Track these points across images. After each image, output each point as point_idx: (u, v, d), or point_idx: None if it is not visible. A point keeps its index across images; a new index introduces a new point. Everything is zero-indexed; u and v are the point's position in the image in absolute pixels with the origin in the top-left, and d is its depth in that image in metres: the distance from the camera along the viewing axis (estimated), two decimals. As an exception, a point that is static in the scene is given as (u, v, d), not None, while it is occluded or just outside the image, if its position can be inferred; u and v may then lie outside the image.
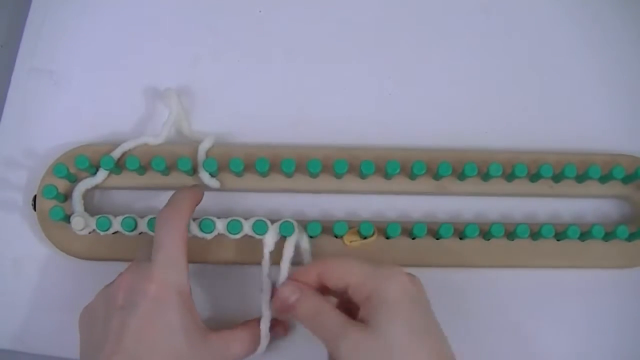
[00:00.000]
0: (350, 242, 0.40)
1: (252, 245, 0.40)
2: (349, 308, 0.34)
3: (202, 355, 0.34)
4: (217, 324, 0.37)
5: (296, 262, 0.38)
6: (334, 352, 0.31)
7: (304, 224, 0.39)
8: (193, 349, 0.33)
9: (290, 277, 0.36)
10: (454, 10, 0.48)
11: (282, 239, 0.38)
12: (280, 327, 0.39)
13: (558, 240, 0.41)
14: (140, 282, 0.33)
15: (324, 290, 0.35)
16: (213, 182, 0.41)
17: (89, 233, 0.40)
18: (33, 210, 0.41)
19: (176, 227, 0.35)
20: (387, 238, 0.41)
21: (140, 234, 0.39)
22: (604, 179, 0.42)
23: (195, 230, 0.38)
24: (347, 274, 0.33)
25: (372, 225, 0.39)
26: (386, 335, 0.31)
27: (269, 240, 0.38)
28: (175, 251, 0.34)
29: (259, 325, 0.37)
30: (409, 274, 0.33)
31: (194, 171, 0.41)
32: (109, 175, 0.41)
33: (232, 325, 0.37)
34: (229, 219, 0.38)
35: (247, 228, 0.38)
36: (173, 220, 0.35)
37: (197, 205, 0.38)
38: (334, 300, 0.36)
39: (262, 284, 0.37)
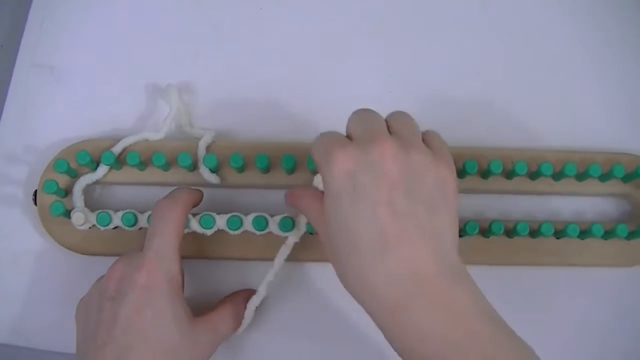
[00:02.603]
0: (350, 238, 0.40)
1: (253, 241, 0.40)
2: None
3: (192, 342, 0.34)
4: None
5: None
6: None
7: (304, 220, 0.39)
8: (183, 336, 0.33)
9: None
10: (455, 8, 0.48)
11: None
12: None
13: (557, 238, 0.41)
14: (131, 272, 0.33)
15: None
16: (213, 178, 0.41)
17: (89, 228, 0.40)
18: (34, 205, 0.41)
19: (171, 218, 0.35)
20: (387, 235, 0.41)
21: (140, 229, 0.39)
22: (604, 177, 0.42)
23: (195, 225, 0.38)
24: (313, 150, 0.32)
25: (371, 222, 0.39)
26: (327, 231, 0.31)
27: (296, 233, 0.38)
28: (168, 241, 0.34)
29: (241, 300, 0.38)
30: (369, 148, 0.30)
31: (194, 167, 0.41)
32: (109, 171, 0.41)
33: (215, 304, 0.38)
34: (229, 215, 0.38)
35: (247, 224, 0.38)
36: (169, 211, 0.35)
37: (194, 206, 0.38)
38: None
39: (273, 265, 0.38)
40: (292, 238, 0.38)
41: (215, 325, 0.36)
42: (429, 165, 0.30)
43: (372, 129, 0.31)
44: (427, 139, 0.32)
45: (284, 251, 0.38)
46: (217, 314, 0.37)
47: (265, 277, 0.38)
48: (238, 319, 0.38)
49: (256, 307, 0.38)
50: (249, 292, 0.39)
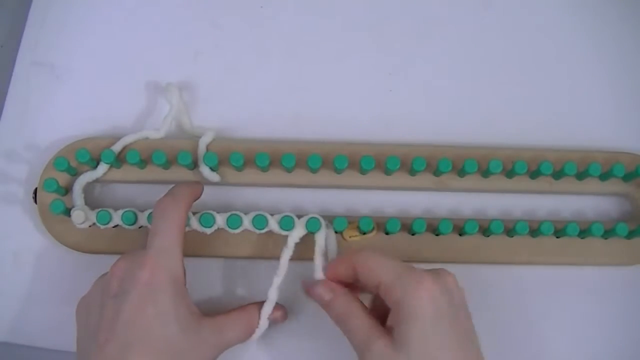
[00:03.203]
0: (350, 237, 0.40)
1: (253, 240, 0.40)
2: (383, 305, 0.34)
3: (195, 341, 0.34)
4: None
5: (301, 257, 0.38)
6: (360, 359, 0.33)
7: (304, 219, 0.39)
8: (186, 335, 0.33)
9: (327, 267, 0.37)
10: (455, 6, 0.48)
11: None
12: (279, 312, 0.39)
13: (557, 237, 0.41)
14: (134, 269, 0.33)
15: (358, 285, 0.35)
16: (213, 176, 0.41)
17: (90, 226, 0.40)
18: (34, 203, 0.41)
19: (173, 216, 0.35)
20: (387, 234, 0.41)
21: (140, 227, 0.39)
22: (604, 176, 0.42)
23: (195, 224, 0.38)
24: (379, 272, 0.34)
25: (371, 221, 0.39)
26: (408, 352, 0.31)
27: (295, 234, 0.38)
28: (171, 238, 0.34)
29: (256, 310, 0.37)
30: (443, 276, 0.33)
31: (194, 165, 0.41)
32: (109, 169, 0.41)
33: (228, 310, 0.37)
34: (229, 214, 0.38)
35: (246, 223, 0.38)
36: (171, 209, 0.35)
37: (195, 200, 0.38)
38: (369, 296, 0.37)
39: (278, 269, 0.37)
40: (292, 239, 0.38)
41: (223, 328, 0.36)
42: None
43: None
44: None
45: (287, 253, 0.38)
46: (226, 317, 0.36)
47: (272, 283, 0.37)
48: (249, 327, 0.37)
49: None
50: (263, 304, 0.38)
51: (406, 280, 0.32)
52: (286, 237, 0.38)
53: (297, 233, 0.38)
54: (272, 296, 0.37)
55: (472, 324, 0.34)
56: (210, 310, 0.40)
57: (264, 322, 0.37)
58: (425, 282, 0.32)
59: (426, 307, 0.32)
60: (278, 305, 0.38)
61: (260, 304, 0.38)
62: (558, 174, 0.42)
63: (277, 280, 0.37)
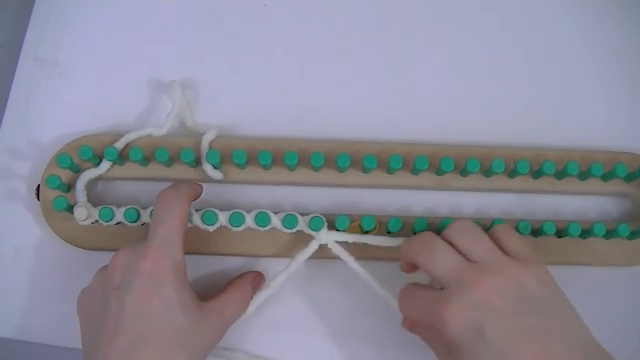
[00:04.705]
0: (352, 236, 0.40)
1: (255, 238, 0.40)
2: None
3: (200, 327, 0.34)
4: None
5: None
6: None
7: (307, 218, 0.39)
8: (191, 322, 0.33)
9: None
10: (457, 6, 0.48)
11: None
12: (261, 279, 0.40)
13: (559, 237, 0.41)
14: (135, 260, 0.33)
15: None
16: (216, 174, 0.41)
17: (92, 223, 0.40)
18: (36, 200, 0.41)
19: (175, 207, 0.35)
20: (389, 232, 0.41)
21: (142, 224, 0.39)
22: (606, 176, 0.42)
23: (197, 221, 0.38)
24: (415, 316, 0.36)
25: (373, 220, 0.40)
26: None
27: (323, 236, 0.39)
28: (173, 228, 0.34)
29: (247, 283, 0.38)
30: (468, 287, 0.32)
31: (196, 163, 0.41)
32: (112, 166, 0.41)
33: (221, 290, 0.38)
34: (232, 212, 0.38)
35: (249, 220, 0.39)
36: (173, 201, 0.35)
37: (195, 199, 0.38)
38: None
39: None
40: (315, 243, 0.38)
41: (223, 309, 0.36)
42: (526, 275, 0.33)
43: (455, 269, 0.33)
44: (505, 245, 0.35)
45: (304, 254, 0.38)
46: (223, 298, 0.37)
47: (278, 275, 0.38)
48: (245, 302, 0.38)
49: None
50: (255, 275, 0.39)
51: (434, 313, 0.32)
52: (288, 234, 0.38)
53: (324, 237, 0.38)
54: (273, 288, 0.38)
55: (525, 316, 0.32)
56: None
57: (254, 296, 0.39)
58: (450, 308, 0.32)
59: (464, 335, 0.31)
60: (258, 274, 0.40)
61: (251, 276, 0.39)
62: (560, 174, 0.42)
63: (284, 275, 0.38)
